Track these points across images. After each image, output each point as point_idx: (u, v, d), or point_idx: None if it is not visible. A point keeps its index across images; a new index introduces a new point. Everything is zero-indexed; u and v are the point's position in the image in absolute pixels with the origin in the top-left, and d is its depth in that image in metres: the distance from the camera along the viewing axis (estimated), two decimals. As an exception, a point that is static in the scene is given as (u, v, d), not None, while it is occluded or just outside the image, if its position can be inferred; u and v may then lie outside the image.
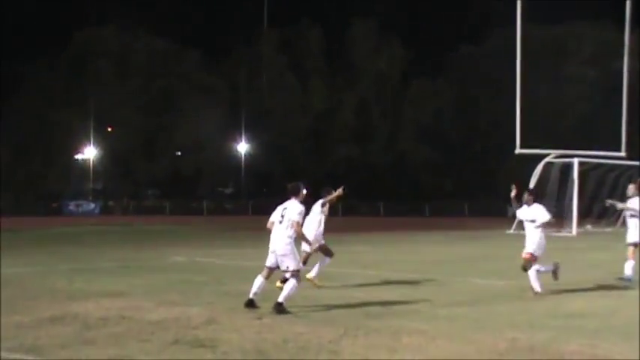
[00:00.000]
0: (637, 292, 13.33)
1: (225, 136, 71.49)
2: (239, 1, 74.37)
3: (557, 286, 13.73)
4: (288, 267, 10.64)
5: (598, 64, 58.00)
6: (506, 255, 19.93)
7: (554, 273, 13.13)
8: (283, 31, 73.40)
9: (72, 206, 64.56)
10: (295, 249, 10.83)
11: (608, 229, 36.73)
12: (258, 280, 10.83)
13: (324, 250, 14.00)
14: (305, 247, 13.18)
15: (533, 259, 12.80)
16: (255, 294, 10.74)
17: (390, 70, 74.59)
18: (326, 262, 14.00)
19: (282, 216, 10.93)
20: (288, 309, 10.37)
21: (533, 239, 12.84)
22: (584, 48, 61.81)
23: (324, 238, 14.10)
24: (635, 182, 14.87)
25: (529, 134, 34.67)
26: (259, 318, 10.07)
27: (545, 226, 12.93)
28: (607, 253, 23.07)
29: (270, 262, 10.87)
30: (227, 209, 70.20)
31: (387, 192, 65.91)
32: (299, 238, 10.96)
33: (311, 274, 13.62)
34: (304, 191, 11.26)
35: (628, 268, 14.43)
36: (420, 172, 70.88)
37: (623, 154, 35.30)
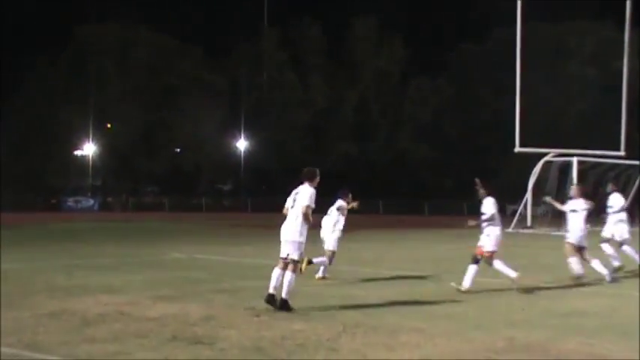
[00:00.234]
0: (635, 291, 13.35)
1: (225, 132, 71.48)
2: (240, -2, 74.42)
3: (555, 284, 13.76)
4: (288, 254, 10.53)
5: (598, 63, 58.00)
6: (505, 253, 19.90)
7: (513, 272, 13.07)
8: (284, 28, 73.38)
9: (71, 202, 64.52)
10: (303, 239, 10.59)
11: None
12: (276, 273, 10.58)
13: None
14: (329, 245, 13.28)
15: (487, 255, 12.80)
16: (275, 288, 10.48)
17: (390, 68, 74.59)
18: (324, 262, 14.09)
19: (294, 200, 10.83)
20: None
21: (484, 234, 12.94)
22: (585, 47, 61.81)
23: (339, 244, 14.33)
24: (578, 184, 15.08)
25: (529, 133, 34.69)
26: (257, 315, 10.08)
27: (491, 220, 12.87)
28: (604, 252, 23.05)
29: (283, 252, 10.67)
30: (226, 206, 70.20)
31: (387, 190, 65.90)
32: (306, 220, 10.62)
33: (317, 261, 13.97)
34: (317, 178, 11.03)
35: (594, 265, 14.32)
36: (420, 170, 70.90)
37: (622, 153, 35.31)
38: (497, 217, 13.06)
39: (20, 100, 65.10)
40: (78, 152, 72.64)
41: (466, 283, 12.69)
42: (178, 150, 75.82)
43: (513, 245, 19.85)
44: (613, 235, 16.01)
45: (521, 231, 34.23)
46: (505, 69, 37.25)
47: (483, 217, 12.89)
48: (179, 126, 69.03)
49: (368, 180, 67.28)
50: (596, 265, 14.34)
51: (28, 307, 10.41)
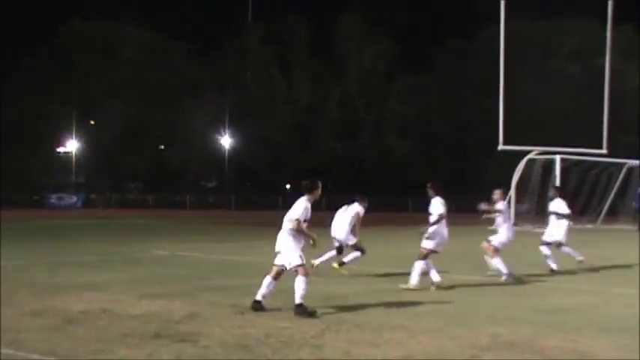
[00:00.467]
0: (618, 288, 13.44)
1: (210, 129, 71.36)
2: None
3: (538, 281, 13.82)
4: (290, 263, 10.14)
5: (581, 61, 58.27)
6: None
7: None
8: (269, 24, 73.25)
9: (54, 199, 64.20)
10: (295, 244, 10.24)
11: (590, 226, 36.96)
12: (266, 281, 10.28)
13: (339, 250, 14.66)
14: (428, 245, 13.25)
15: (424, 252, 12.93)
16: (263, 296, 10.23)
17: (375, 64, 74.63)
18: (332, 256, 14.21)
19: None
20: (266, 306, 10.28)
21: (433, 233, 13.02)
22: (568, 45, 62.07)
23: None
24: (501, 188, 15.19)
25: (512, 131, 34.80)
26: (242, 312, 10.06)
27: (441, 219, 12.97)
28: (588, 250, 23.18)
29: (278, 260, 10.34)
30: (210, 203, 70.07)
31: (372, 186, 65.96)
32: (300, 234, 10.27)
33: (318, 261, 14.31)
34: (318, 190, 10.66)
35: (497, 264, 14.37)
36: (405, 167, 70.97)
37: (604, 151, 35.52)
38: (445, 217, 13.13)
39: (4, 97, 64.66)
40: (61, 149, 72.33)
41: (413, 280, 12.78)
42: (162, 147, 75.63)
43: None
44: (553, 238, 16.13)
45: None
46: (490, 67, 37.35)
47: (431, 218, 12.99)
48: (163, 123, 68.81)
49: (353, 176, 67.39)
50: (496, 262, 14.29)
51: (11, 305, 10.34)
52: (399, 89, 73.44)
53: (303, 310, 9.84)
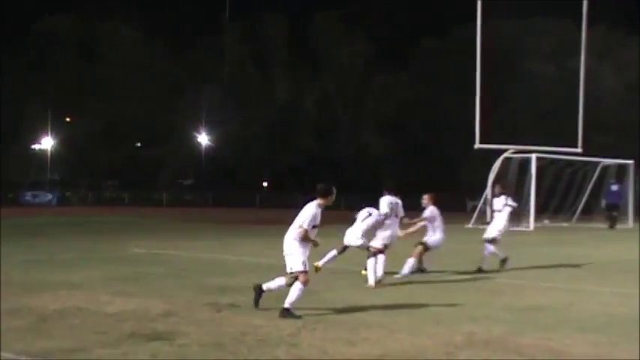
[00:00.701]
0: (593, 286, 13.56)
1: (187, 127, 71.10)
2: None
3: (514, 280, 13.91)
4: (292, 268, 9.91)
5: (557, 60, 58.70)
6: (465, 249, 20.13)
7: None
8: (246, 22, 73.07)
9: (28, 197, 63.66)
10: (300, 249, 9.92)
11: (565, 224, 37.26)
12: (279, 280, 10.20)
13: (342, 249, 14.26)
14: (374, 242, 13.24)
15: (373, 250, 13.04)
16: (269, 288, 10.11)
17: (352, 63, 74.65)
18: (334, 256, 14.14)
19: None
20: (243, 305, 10.28)
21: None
22: (544, 44, 62.47)
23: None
24: (430, 194, 15.27)
25: (489, 129, 34.98)
26: (218, 311, 10.05)
27: (385, 219, 13.16)
28: (563, 248, 23.40)
29: (287, 266, 10.08)
30: (187, 201, 69.82)
31: (349, 185, 66.04)
32: (306, 241, 10.01)
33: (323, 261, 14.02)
34: (332, 196, 10.43)
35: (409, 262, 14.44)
36: (382, 165, 71.09)
37: (579, 150, 35.83)
38: (391, 215, 13.24)
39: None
40: (36, 146, 71.75)
41: (370, 279, 12.85)
42: (139, 144, 75.23)
43: (472, 241, 20.01)
44: (489, 234, 16.10)
45: (480, 227, 34.42)
46: (467, 65, 37.51)
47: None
48: (140, 120, 68.46)
49: (330, 174, 67.39)
50: (411, 261, 14.34)
51: (-16, 304, 10.26)
52: (377, 88, 73.54)
53: (287, 315, 9.65)
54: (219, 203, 61.11)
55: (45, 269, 14.65)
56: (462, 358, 7.69)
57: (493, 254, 15.79)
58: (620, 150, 43.98)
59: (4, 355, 7.54)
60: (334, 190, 10.45)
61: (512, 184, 36.09)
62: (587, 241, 27.00)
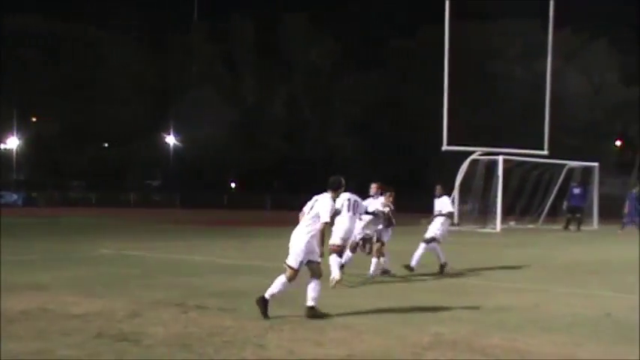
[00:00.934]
0: (558, 287, 13.71)
1: (154, 127, 70.72)
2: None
3: (481, 281, 14.01)
4: (287, 261, 9.92)
5: (524, 62, 59.15)
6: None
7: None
8: (214, 22, 72.86)
9: (-7, 197, 62.97)
10: (304, 246, 9.93)
11: (531, 226, 37.58)
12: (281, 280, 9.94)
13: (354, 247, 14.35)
14: (332, 240, 13.17)
15: (331, 248, 13.08)
16: (272, 294, 9.85)
17: (320, 63, 74.68)
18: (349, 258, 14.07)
19: (311, 208, 10.30)
20: (217, 305, 10.26)
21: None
22: (511, 46, 62.93)
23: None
24: (377, 184, 15.46)
25: (456, 131, 35.18)
26: (185, 312, 10.02)
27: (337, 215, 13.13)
28: (529, 249, 23.61)
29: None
30: (155, 201, 69.44)
31: (317, 186, 66.01)
32: (323, 236, 10.08)
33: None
34: (342, 189, 10.72)
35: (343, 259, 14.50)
36: (350, 166, 71.20)
37: (545, 152, 36.19)
38: (345, 213, 13.27)
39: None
40: (1, 146, 70.94)
41: (334, 274, 12.76)
42: (106, 144, 74.68)
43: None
44: (429, 234, 16.18)
45: (448, 228, 34.70)
46: (434, 67, 37.68)
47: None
48: (107, 120, 67.95)
49: (298, 175, 67.38)
50: (346, 256, 14.34)
51: (-52, 305, 10.13)
52: (344, 88, 73.63)
53: (314, 314, 9.71)
54: (187, 204, 60.95)
55: (11, 270, 14.47)
56: (429, 359, 7.75)
57: (435, 253, 15.87)
58: (586, 152, 44.46)
59: None
60: (344, 183, 10.72)
61: (480, 185, 36.37)
62: (552, 243, 27.25)
